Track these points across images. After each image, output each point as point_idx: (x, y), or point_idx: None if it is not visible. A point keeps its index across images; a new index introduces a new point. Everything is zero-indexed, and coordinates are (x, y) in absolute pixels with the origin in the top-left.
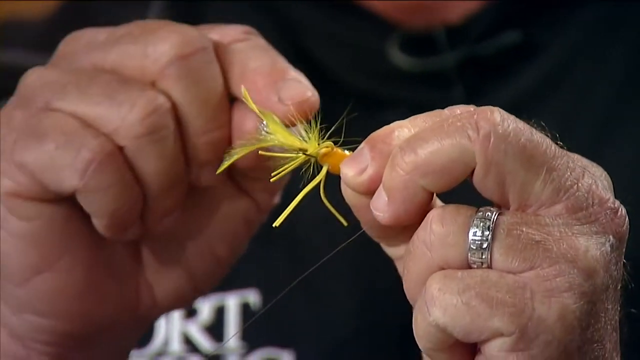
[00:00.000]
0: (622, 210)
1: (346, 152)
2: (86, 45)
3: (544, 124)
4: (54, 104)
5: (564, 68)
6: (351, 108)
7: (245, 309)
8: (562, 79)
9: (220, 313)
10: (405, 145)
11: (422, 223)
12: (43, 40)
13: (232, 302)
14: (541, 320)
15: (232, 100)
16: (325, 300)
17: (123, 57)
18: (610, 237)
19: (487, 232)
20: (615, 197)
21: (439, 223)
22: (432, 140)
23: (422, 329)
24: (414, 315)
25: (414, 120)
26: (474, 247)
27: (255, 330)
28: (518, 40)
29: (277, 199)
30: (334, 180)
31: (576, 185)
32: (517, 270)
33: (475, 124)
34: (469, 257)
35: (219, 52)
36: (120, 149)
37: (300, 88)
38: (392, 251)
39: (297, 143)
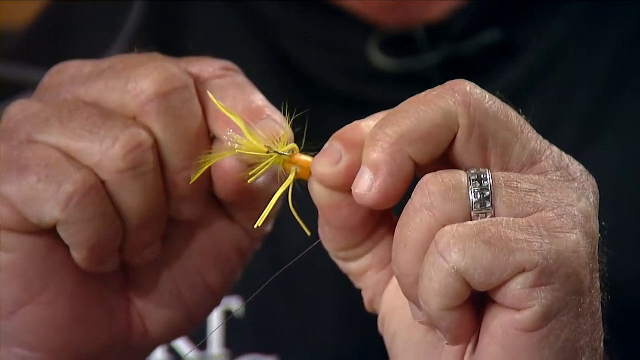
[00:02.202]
0: (590, 175)
1: (309, 158)
2: (71, 77)
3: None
4: (36, 137)
5: (546, 67)
6: (330, 110)
7: (228, 316)
8: (544, 77)
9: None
10: (383, 122)
11: (416, 190)
12: (23, 51)
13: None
14: (559, 253)
15: (212, 136)
16: (309, 306)
17: (105, 91)
18: (591, 194)
19: (486, 183)
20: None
21: (437, 183)
22: (413, 110)
23: (437, 282)
24: (423, 276)
25: (376, 116)
26: (476, 200)
27: (240, 337)
28: (499, 38)
29: (268, 227)
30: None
31: (550, 148)
32: (523, 215)
33: (452, 90)
34: (472, 211)
35: (198, 88)
36: (102, 182)
37: (273, 127)
38: (349, 266)
39: (264, 148)
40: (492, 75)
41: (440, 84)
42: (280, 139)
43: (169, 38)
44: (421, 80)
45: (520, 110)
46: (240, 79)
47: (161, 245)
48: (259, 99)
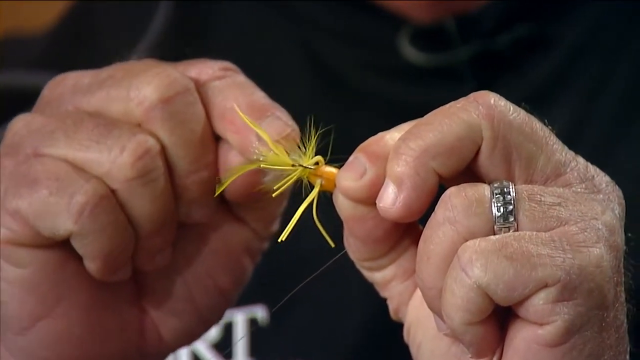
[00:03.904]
0: (617, 186)
1: (334, 170)
2: (71, 89)
3: (547, 123)
4: (42, 150)
5: (577, 61)
6: (361, 108)
7: (253, 324)
8: (576, 72)
9: (228, 329)
10: (407, 135)
11: (439, 204)
12: (46, 57)
13: (240, 318)
14: (582, 268)
15: (216, 137)
16: (334, 313)
17: (107, 101)
18: (616, 205)
19: (509, 197)
20: (632, 193)
21: (460, 196)
22: (437, 122)
23: (460, 297)
24: (446, 290)
25: (401, 127)
26: (499, 214)
27: (265, 346)
28: (530, 33)
29: (275, 226)
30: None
31: (575, 160)
32: (545, 229)
33: (475, 102)
34: (495, 225)
35: (199, 90)
36: (112, 191)
37: (279, 125)
38: (374, 276)
39: (289, 161)
40: (524, 70)
41: (471, 78)
42: (305, 151)
43: (196, 38)
44: (452, 74)
45: (545, 120)
46: (240, 78)
47: (172, 251)
48: (261, 97)
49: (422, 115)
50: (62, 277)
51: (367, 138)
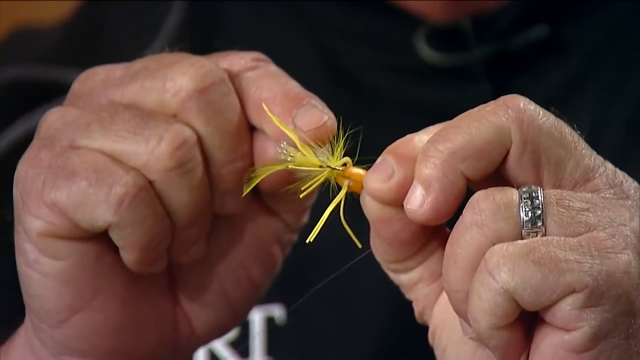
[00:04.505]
0: None
1: (361, 171)
2: (102, 82)
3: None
4: (79, 142)
5: (593, 63)
6: (377, 108)
7: (270, 323)
8: (591, 74)
9: (245, 328)
10: (435, 137)
11: (467, 207)
12: (57, 52)
13: (257, 317)
14: (610, 274)
15: (251, 128)
16: (352, 313)
17: (142, 92)
18: None
19: (537, 202)
20: None
21: (488, 200)
22: (465, 125)
23: (486, 301)
24: (473, 293)
25: (429, 129)
26: (527, 218)
27: (281, 345)
28: (546, 34)
29: (305, 218)
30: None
31: (603, 165)
32: (574, 234)
33: (505, 106)
34: (523, 229)
35: (232, 81)
36: (150, 182)
37: (316, 113)
38: (400, 278)
39: (317, 162)
40: (539, 72)
41: (486, 79)
42: (332, 151)
43: (209, 38)
44: (467, 74)
45: (575, 125)
46: (273, 68)
47: (206, 243)
48: (295, 86)
49: (437, 115)
50: (100, 270)
51: (383, 138)
